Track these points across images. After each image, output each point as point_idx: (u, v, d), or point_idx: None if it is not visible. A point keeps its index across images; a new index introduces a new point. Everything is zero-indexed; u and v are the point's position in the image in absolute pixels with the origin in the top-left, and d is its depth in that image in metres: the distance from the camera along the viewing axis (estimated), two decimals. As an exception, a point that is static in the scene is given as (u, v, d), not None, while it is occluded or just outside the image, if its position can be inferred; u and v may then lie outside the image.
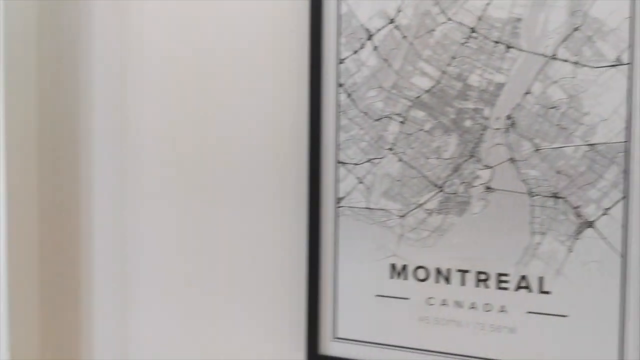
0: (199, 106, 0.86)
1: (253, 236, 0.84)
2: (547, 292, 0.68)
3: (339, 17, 0.74)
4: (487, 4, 0.68)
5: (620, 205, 0.65)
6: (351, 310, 0.76)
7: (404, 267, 0.74)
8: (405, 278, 0.74)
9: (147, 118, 0.90)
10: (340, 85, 0.75)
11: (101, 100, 0.92)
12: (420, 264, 0.73)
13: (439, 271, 0.72)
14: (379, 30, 0.73)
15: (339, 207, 0.76)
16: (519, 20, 0.67)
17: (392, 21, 0.72)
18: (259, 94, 0.82)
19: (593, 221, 0.66)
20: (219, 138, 0.85)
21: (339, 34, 0.75)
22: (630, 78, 0.64)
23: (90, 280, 0.95)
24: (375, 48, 0.73)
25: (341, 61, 0.75)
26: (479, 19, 0.69)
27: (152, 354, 0.91)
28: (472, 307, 0.71)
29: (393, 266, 0.74)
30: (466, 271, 0.71)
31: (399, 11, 0.72)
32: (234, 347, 0.86)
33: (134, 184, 0.91)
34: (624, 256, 0.65)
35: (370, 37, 0.73)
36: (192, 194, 0.87)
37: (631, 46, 0.64)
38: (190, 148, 0.87)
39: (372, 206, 0.75)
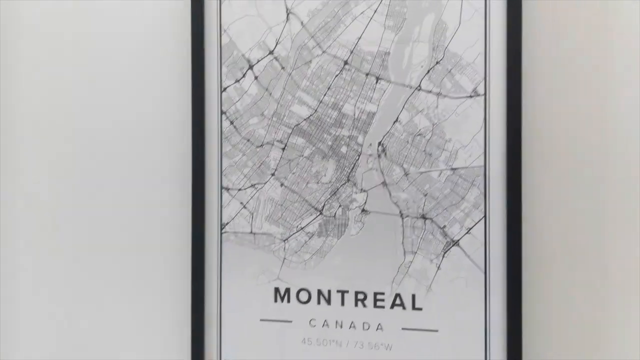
0: (82, 133, 0.85)
1: (137, 263, 0.83)
2: (419, 309, 0.72)
3: (221, 47, 0.77)
4: (358, 39, 0.73)
5: (480, 225, 0.70)
6: (236, 336, 0.76)
7: (287, 290, 0.75)
8: (289, 301, 0.75)
9: (25, 140, 0.87)
10: (223, 112, 0.77)
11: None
12: (303, 287, 0.75)
13: (320, 293, 0.74)
14: (259, 60, 0.76)
15: (223, 232, 0.77)
16: (387, 54, 0.72)
17: (271, 52, 0.75)
18: (143, 122, 0.82)
19: (458, 240, 0.71)
20: (103, 164, 0.84)
21: (220, 63, 0.77)
22: (486, 108, 0.70)
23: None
24: (256, 77, 0.76)
25: (224, 89, 0.77)
26: (351, 52, 0.73)
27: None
28: (352, 326, 0.73)
29: (277, 290, 0.76)
30: (345, 291, 0.74)
31: (277, 43, 0.75)
32: (120, 380, 0.84)
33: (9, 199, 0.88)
34: (486, 272, 0.70)
35: (251, 67, 0.76)
36: (74, 221, 0.85)
37: (485, 79, 0.70)
38: (70, 174, 0.85)
39: (255, 231, 0.76)
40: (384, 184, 0.73)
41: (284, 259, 0.75)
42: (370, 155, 0.73)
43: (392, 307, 0.72)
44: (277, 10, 0.75)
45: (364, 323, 0.73)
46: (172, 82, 0.81)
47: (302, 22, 0.74)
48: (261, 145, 0.76)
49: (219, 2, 0.77)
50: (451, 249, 0.71)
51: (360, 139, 0.73)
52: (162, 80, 0.82)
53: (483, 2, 0.70)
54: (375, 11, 0.72)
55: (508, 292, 0.69)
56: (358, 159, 0.73)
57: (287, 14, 0.75)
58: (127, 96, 0.83)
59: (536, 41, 0.71)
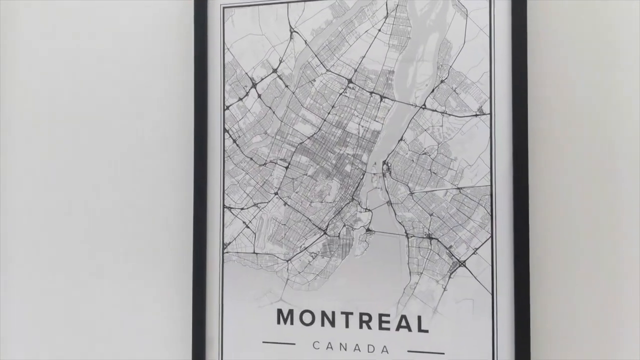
0: (85, 151, 0.84)
1: (136, 284, 0.81)
2: (425, 331, 0.70)
3: (224, 65, 0.76)
4: (362, 57, 0.72)
5: (487, 245, 0.69)
6: (238, 358, 0.74)
7: (290, 312, 0.74)
8: (292, 323, 0.74)
9: (25, 142, 0.86)
10: (226, 130, 0.76)
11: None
12: (306, 308, 0.73)
13: (324, 314, 0.73)
14: (263, 79, 0.75)
15: (225, 252, 0.76)
16: (391, 72, 0.72)
17: (275, 71, 0.75)
18: (145, 139, 0.82)
19: (464, 261, 0.70)
20: (104, 182, 0.83)
21: (223, 81, 0.76)
22: (492, 127, 0.70)
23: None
24: (260, 96, 0.75)
25: (226, 107, 0.76)
26: (355, 70, 0.73)
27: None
28: (356, 348, 0.72)
29: (280, 311, 0.74)
30: (350, 313, 0.72)
31: (281, 61, 0.75)
32: (118, 404, 0.82)
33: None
34: (493, 293, 0.69)
35: (254, 85, 0.75)
36: (75, 238, 0.84)
37: (491, 98, 0.70)
38: (74, 193, 0.84)
39: (258, 251, 0.75)
40: (389, 203, 0.72)
41: (287, 279, 0.74)
42: (374, 174, 0.72)
43: (397, 329, 0.71)
44: (280, 29, 0.75)
45: (369, 345, 0.72)
46: (174, 100, 0.80)
47: (305, 41, 0.74)
48: (264, 164, 0.75)
49: (221, 20, 0.77)
50: (457, 270, 0.70)
51: (364, 158, 0.72)
52: (164, 98, 0.81)
53: (487, 21, 0.69)
54: (379, 30, 0.72)
55: (516, 314, 0.67)
56: (362, 177, 0.72)
57: (291, 33, 0.75)
58: (130, 114, 0.82)
59: (542, 60, 0.71)
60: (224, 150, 0.76)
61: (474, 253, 0.69)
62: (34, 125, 0.86)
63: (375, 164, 0.72)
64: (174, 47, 0.81)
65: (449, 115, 0.71)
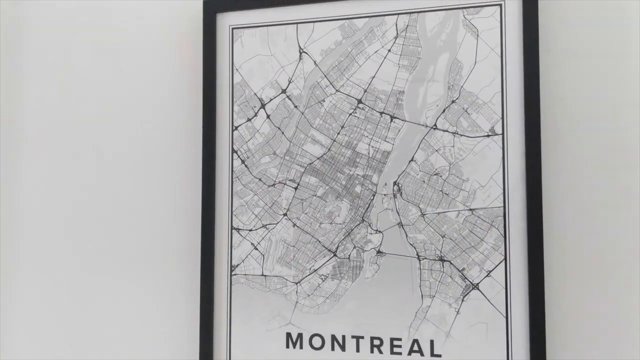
0: (94, 180, 0.83)
1: (145, 305, 0.80)
2: (438, 355, 0.68)
3: (232, 86, 0.76)
4: (372, 77, 0.72)
5: (501, 267, 0.68)
6: (246, 384, 0.73)
7: (300, 336, 0.72)
8: (301, 347, 0.72)
9: (31, 148, 0.85)
10: (234, 151, 0.75)
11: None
12: (316, 332, 0.72)
13: (334, 338, 0.71)
14: (272, 99, 0.75)
15: (233, 274, 0.74)
16: (401, 92, 0.71)
17: (284, 91, 0.74)
18: (153, 160, 0.81)
19: (477, 283, 0.68)
20: (109, 198, 0.82)
21: (232, 102, 0.76)
22: (504, 147, 0.69)
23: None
24: (268, 116, 0.75)
25: (235, 128, 0.76)
26: (365, 91, 0.72)
27: None
28: (367, 374, 0.70)
29: (289, 335, 0.73)
30: (361, 337, 0.71)
31: (290, 82, 0.74)
32: None
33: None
34: (508, 317, 0.67)
35: (263, 106, 0.75)
36: (85, 259, 0.83)
37: (503, 118, 0.69)
38: (87, 217, 0.83)
39: (267, 273, 0.74)
40: (400, 224, 0.70)
41: (296, 302, 0.73)
42: (385, 195, 0.71)
43: (409, 353, 0.69)
44: (290, 50, 0.75)
45: (380, 371, 0.70)
46: (182, 120, 0.80)
47: (315, 62, 0.74)
48: (273, 185, 0.74)
49: (230, 41, 0.76)
50: (471, 293, 0.68)
51: (375, 179, 0.71)
52: (172, 118, 0.81)
53: (499, 40, 0.69)
54: (389, 50, 0.72)
55: (531, 338, 0.66)
56: (373, 198, 0.71)
57: (300, 54, 0.74)
58: (138, 135, 0.82)
59: (554, 79, 0.70)
60: (232, 171, 0.75)
61: (487, 276, 0.68)
62: (37, 130, 0.86)
63: (385, 184, 0.71)
64: (183, 67, 0.80)
65: (461, 135, 0.70)
